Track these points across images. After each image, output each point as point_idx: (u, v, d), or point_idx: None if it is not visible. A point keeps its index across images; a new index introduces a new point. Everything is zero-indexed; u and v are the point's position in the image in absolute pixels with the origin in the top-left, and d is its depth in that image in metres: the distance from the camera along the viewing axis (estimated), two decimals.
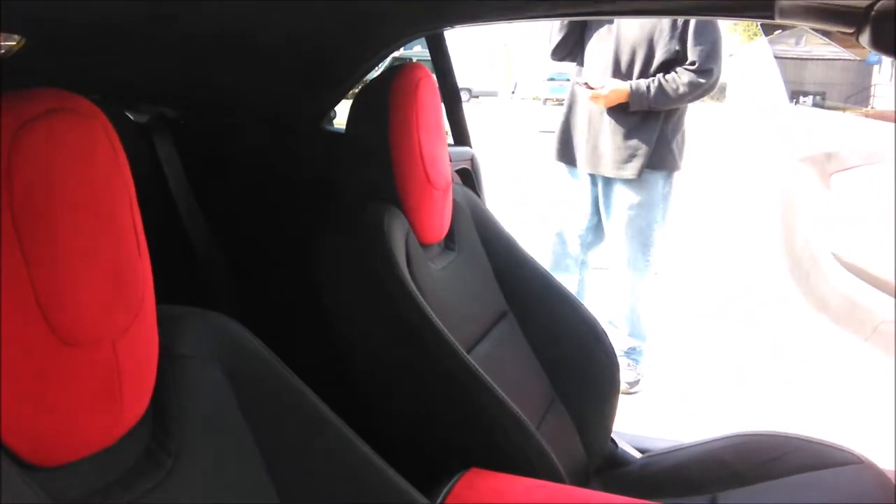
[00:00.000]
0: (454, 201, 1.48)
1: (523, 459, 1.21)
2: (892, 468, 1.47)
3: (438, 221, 1.40)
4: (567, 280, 2.85)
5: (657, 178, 2.65)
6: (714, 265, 4.04)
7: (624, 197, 2.67)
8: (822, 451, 1.51)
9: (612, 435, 1.70)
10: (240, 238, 1.56)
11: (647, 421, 2.42)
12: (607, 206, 2.73)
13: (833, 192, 2.81)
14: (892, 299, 2.25)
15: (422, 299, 1.22)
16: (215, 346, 0.82)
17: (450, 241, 1.49)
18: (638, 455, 1.70)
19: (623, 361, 2.80)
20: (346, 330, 1.29)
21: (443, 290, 1.37)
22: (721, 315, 3.42)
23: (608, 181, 2.70)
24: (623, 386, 2.72)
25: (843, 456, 1.48)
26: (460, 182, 1.76)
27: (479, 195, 1.82)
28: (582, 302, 1.67)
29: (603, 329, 1.65)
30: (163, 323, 0.75)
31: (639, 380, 2.87)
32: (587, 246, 2.89)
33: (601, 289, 2.94)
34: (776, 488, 1.47)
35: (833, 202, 2.80)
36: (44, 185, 0.60)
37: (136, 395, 0.70)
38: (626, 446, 1.71)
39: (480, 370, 1.21)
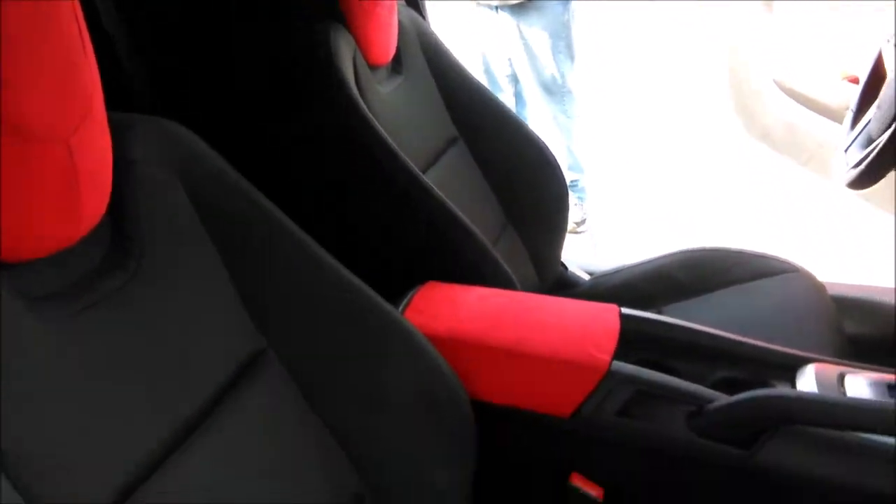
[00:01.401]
0: (399, 22, 1.43)
1: (478, 275, 1.24)
2: (824, 276, 1.56)
3: (385, 40, 1.36)
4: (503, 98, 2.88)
5: (553, 5, 2.63)
6: (654, 98, 4.06)
7: (521, 26, 2.67)
8: (762, 262, 1.58)
9: (563, 260, 1.76)
10: (164, 46, 1.37)
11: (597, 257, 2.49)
12: (514, 36, 2.74)
13: (775, 18, 2.81)
14: (830, 122, 2.31)
15: (374, 120, 1.20)
16: (170, 152, 0.81)
17: (397, 63, 1.46)
18: (587, 277, 1.76)
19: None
20: (299, 152, 1.28)
21: (392, 114, 1.34)
22: (663, 148, 3.46)
23: (503, 9, 2.69)
24: (570, 226, 2.81)
25: (780, 265, 1.56)
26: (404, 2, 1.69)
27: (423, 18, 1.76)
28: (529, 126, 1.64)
29: (554, 156, 1.66)
30: (114, 129, 0.73)
31: (585, 219, 2.93)
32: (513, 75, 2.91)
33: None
34: (719, 297, 1.55)
35: (775, 28, 2.80)
36: None
37: (94, 195, 0.69)
38: (576, 269, 1.77)
39: (435, 188, 1.22)
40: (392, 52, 1.40)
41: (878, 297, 1.53)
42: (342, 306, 0.91)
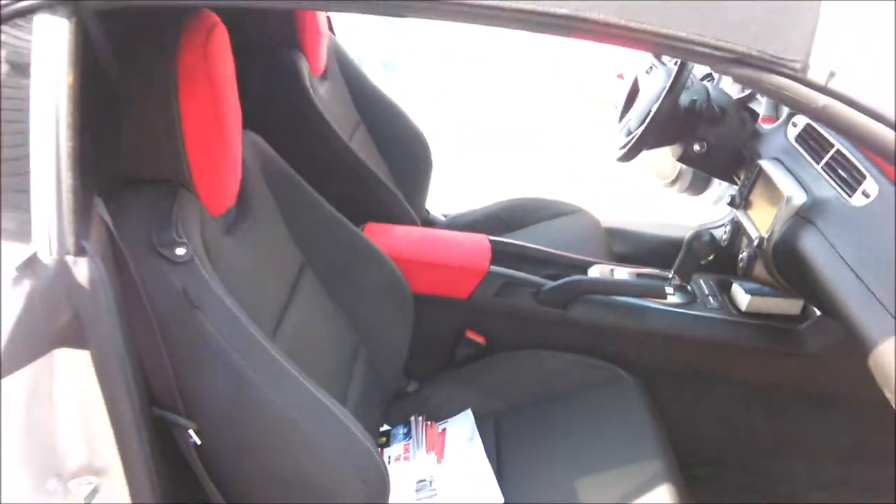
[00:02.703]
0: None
1: (396, 217, 1.92)
2: (602, 216, 2.37)
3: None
4: None
5: None
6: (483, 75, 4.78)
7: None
8: (559, 206, 2.37)
9: (426, 207, 2.45)
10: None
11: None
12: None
13: None
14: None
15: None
16: (255, 154, 1.39)
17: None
18: (443, 218, 2.47)
19: None
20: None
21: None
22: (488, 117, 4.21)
23: None
24: None
25: (571, 208, 2.36)
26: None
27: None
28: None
29: (423, 134, 2.33)
30: None
31: None
32: None
33: None
34: (531, 231, 2.32)
35: None
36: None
37: (237, 182, 1.27)
38: (436, 213, 2.47)
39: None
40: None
41: (634, 228, 2.37)
42: (341, 238, 1.55)
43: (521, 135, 4.04)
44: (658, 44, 0.88)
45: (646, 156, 2.05)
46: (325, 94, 2.00)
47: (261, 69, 1.80)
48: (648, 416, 1.56)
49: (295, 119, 1.83)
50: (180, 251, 1.08)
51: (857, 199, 1.43)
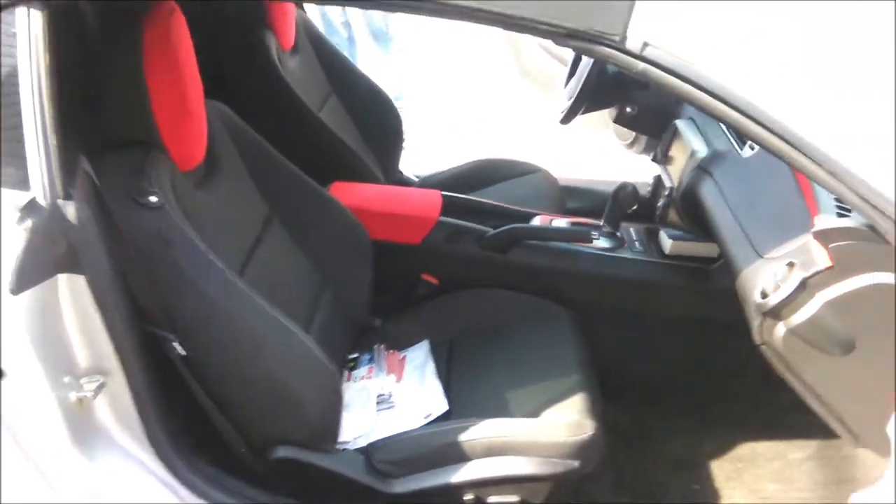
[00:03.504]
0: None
1: (360, 176, 2.16)
2: (560, 175, 2.59)
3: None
4: None
5: None
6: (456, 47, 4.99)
7: None
8: (520, 166, 2.60)
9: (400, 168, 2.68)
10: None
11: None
12: None
13: None
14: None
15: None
16: (221, 118, 1.63)
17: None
18: (416, 179, 2.70)
19: None
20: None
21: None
22: (461, 85, 4.42)
23: None
24: None
25: (531, 168, 2.59)
26: None
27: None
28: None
29: (391, 100, 2.57)
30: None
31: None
32: None
33: None
34: (491, 190, 2.54)
35: None
36: None
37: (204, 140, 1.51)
38: (409, 174, 2.70)
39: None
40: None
41: (586, 186, 2.60)
42: (304, 192, 1.78)
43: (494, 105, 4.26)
44: (509, 23, 1.11)
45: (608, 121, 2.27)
46: (295, 68, 2.23)
47: (231, 45, 2.04)
48: (574, 341, 1.79)
49: (265, 91, 2.07)
50: (153, 199, 1.32)
51: (746, 151, 1.66)
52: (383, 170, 2.57)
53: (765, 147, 1.14)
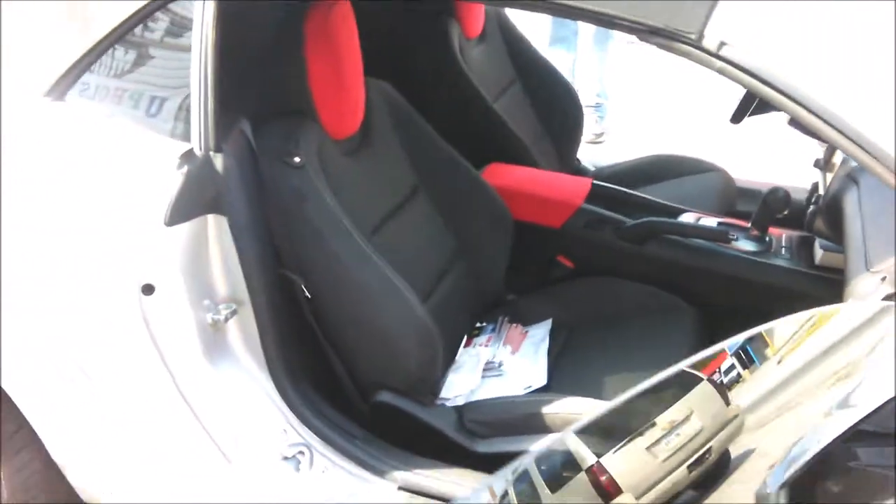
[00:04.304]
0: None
1: (516, 159, 2.27)
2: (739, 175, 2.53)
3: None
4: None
5: None
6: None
7: None
8: (698, 163, 2.56)
9: (578, 157, 2.75)
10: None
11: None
12: None
13: None
14: None
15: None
16: (381, 93, 1.82)
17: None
18: (593, 169, 2.76)
19: (592, 114, 3.89)
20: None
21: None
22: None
23: None
24: (590, 136, 3.81)
25: (708, 166, 2.54)
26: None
27: None
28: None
29: (575, 91, 2.64)
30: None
31: (603, 132, 3.93)
32: None
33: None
34: (664, 185, 2.54)
35: None
36: None
37: (360, 113, 1.71)
38: (586, 164, 2.76)
39: (502, 116, 2.14)
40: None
41: (762, 189, 2.50)
42: (453, 168, 1.94)
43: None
44: (597, 19, 1.18)
45: None
46: (477, 55, 2.38)
47: (414, 31, 2.23)
48: (694, 338, 1.79)
49: (441, 77, 2.24)
50: (296, 159, 1.54)
51: None
52: (560, 158, 2.66)
53: (844, 152, 1.11)
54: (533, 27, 3.92)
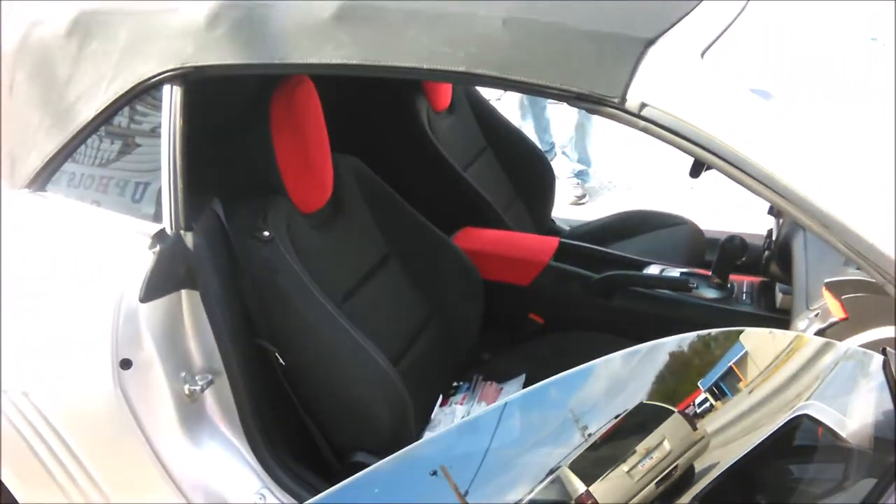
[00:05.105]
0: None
1: (486, 222, 2.36)
2: (706, 227, 2.61)
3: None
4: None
5: None
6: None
7: None
8: (669, 218, 2.65)
9: (552, 217, 2.84)
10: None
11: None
12: None
13: None
14: None
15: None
16: (349, 168, 1.92)
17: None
18: (568, 228, 2.84)
19: (573, 182, 4.02)
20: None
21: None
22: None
23: None
24: (572, 199, 3.93)
25: (678, 219, 2.63)
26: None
27: None
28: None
29: (546, 159, 2.75)
30: (333, 160, 1.84)
31: (585, 195, 4.05)
32: None
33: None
34: (641, 239, 2.62)
35: None
36: None
37: (329, 186, 1.80)
38: (561, 223, 2.85)
39: (473, 182, 2.26)
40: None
41: None
42: (422, 234, 2.02)
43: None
44: (528, 89, 1.26)
45: None
46: (446, 127, 2.49)
47: (381, 105, 2.34)
48: None
49: (410, 149, 2.34)
50: (266, 234, 1.62)
51: None
52: (534, 220, 2.75)
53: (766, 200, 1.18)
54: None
